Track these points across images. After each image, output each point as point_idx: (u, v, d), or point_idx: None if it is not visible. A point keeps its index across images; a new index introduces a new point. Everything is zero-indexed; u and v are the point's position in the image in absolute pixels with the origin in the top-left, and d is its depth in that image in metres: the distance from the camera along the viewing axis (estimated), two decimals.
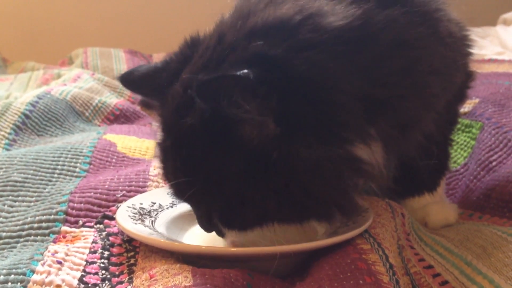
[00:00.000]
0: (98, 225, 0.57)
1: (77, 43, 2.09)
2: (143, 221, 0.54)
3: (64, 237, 0.54)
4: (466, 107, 0.88)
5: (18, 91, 1.47)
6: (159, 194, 0.63)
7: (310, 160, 0.44)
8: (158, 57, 1.86)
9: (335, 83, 0.45)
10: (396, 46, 0.49)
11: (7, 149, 0.85)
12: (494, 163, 0.72)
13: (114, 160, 0.75)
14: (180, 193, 0.49)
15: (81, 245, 0.52)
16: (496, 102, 0.85)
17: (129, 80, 0.55)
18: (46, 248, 0.50)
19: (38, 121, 0.95)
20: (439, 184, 0.70)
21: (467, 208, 0.69)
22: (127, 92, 1.37)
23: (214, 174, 0.46)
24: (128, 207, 0.57)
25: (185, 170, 0.47)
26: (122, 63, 1.62)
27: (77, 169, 0.70)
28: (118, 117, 1.13)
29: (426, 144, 0.63)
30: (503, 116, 0.80)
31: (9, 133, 0.89)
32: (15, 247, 0.52)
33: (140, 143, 0.83)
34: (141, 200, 0.60)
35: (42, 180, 0.66)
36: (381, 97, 0.49)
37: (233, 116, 0.43)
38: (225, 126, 0.45)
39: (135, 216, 0.55)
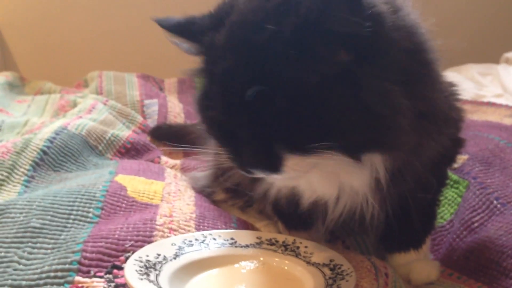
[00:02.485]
0: (107, 275, 0.63)
1: (93, 63, 2.17)
2: (148, 275, 0.60)
3: (77, 287, 0.60)
4: (456, 163, 0.93)
5: (36, 115, 1.54)
6: (164, 245, 0.69)
7: (377, 87, 0.51)
8: (169, 83, 1.93)
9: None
10: None
11: (26, 186, 0.92)
12: (476, 224, 0.77)
13: (124, 205, 0.81)
14: (246, 111, 0.53)
15: None
16: (483, 160, 0.90)
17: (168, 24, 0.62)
18: None
19: (55, 157, 1.02)
20: (425, 242, 0.76)
21: (448, 267, 0.74)
22: (139, 120, 1.44)
23: (293, 85, 0.50)
24: (136, 260, 0.63)
25: (263, 79, 0.51)
26: (134, 89, 1.68)
27: (90, 214, 0.76)
28: (129, 150, 1.20)
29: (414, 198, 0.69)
30: (488, 176, 0.85)
31: (28, 170, 0.95)
32: None
33: (149, 186, 0.89)
34: (147, 252, 0.66)
35: (58, 226, 0.72)
36: None
37: (328, 31, 0.50)
38: (314, 39, 0.50)
39: (141, 271, 0.61)
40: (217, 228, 0.78)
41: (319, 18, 0.50)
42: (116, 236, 0.69)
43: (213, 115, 0.57)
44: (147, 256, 0.65)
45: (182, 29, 0.61)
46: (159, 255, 0.66)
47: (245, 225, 0.84)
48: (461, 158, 0.93)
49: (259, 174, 0.57)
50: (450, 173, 0.92)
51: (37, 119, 1.44)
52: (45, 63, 2.32)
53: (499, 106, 1.41)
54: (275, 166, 0.55)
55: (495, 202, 0.78)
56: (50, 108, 1.58)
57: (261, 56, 0.51)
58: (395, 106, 0.53)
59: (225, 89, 0.54)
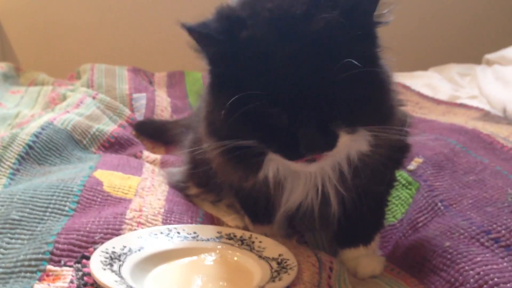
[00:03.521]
0: (76, 265, 0.70)
1: (91, 54, 2.24)
2: (112, 265, 0.67)
3: (48, 275, 0.67)
4: (412, 165, 1.00)
5: (28, 106, 1.61)
6: (131, 238, 0.76)
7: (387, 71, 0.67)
8: (159, 76, 1.99)
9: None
10: None
11: (11, 178, 0.99)
12: (420, 224, 0.84)
13: (99, 200, 0.88)
14: (315, 90, 0.59)
15: (60, 284, 0.65)
16: (436, 163, 0.97)
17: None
18: (32, 286, 0.64)
19: (40, 151, 1.09)
20: (373, 239, 0.82)
21: (392, 262, 0.81)
22: (126, 113, 1.51)
23: (354, 63, 0.58)
24: (102, 251, 0.70)
25: (331, 61, 0.58)
26: (124, 83, 1.75)
27: (66, 208, 0.83)
28: (113, 144, 1.26)
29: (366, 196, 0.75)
30: (437, 179, 0.92)
31: (14, 163, 1.02)
32: (8, 283, 0.65)
33: (124, 181, 0.96)
34: (114, 244, 0.73)
35: (36, 218, 0.79)
36: None
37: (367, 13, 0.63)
38: (363, 21, 0.62)
39: (105, 261, 0.68)
40: (183, 223, 0.85)
41: (355, 6, 0.61)
42: (88, 228, 0.76)
43: (264, 105, 0.60)
44: (113, 248, 0.72)
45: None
46: (125, 247, 0.73)
47: (211, 220, 0.90)
48: (417, 161, 1.00)
49: (315, 154, 0.63)
50: (405, 175, 0.99)
51: (28, 111, 1.51)
52: (44, 53, 2.38)
53: (470, 108, 1.47)
54: (332, 144, 0.62)
55: (439, 204, 0.85)
56: (42, 100, 1.65)
57: (324, 40, 0.59)
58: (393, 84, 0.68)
59: (292, 73, 0.59)
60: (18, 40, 2.40)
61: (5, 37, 2.40)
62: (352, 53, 0.60)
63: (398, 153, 0.79)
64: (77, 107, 1.38)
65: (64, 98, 1.54)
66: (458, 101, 1.56)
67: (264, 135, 0.64)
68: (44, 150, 1.10)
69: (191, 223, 0.85)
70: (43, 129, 1.13)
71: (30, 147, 1.07)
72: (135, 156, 1.24)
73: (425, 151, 1.03)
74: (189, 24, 0.62)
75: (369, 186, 0.74)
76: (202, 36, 0.62)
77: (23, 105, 1.62)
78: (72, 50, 2.37)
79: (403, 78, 1.89)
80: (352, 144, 0.66)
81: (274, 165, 0.70)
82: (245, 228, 0.89)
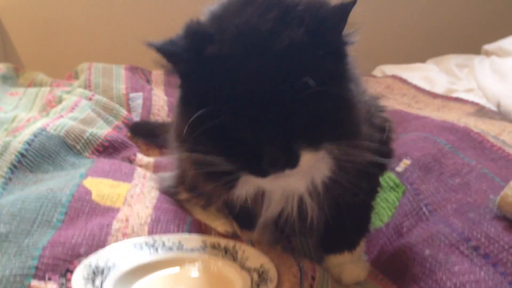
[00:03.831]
0: (60, 279, 0.71)
1: (88, 52, 2.25)
2: (93, 281, 0.69)
3: None
4: (400, 167, 1.00)
5: (25, 109, 1.62)
6: (115, 250, 0.77)
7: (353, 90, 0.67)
8: (156, 74, 1.99)
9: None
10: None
11: (3, 188, 1.00)
12: (404, 229, 0.84)
13: (87, 210, 0.89)
14: (275, 109, 0.60)
15: None
16: (424, 165, 0.96)
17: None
18: None
19: (33, 158, 1.10)
20: (359, 244, 0.83)
21: (376, 268, 0.82)
22: (123, 114, 1.52)
23: (317, 81, 0.59)
24: (85, 266, 0.71)
25: (293, 80, 0.59)
26: (121, 82, 1.75)
27: (54, 220, 0.85)
28: (107, 148, 1.27)
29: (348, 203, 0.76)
30: (424, 182, 0.92)
31: (6, 172, 1.03)
32: None
33: (114, 189, 0.97)
34: (98, 257, 0.74)
35: (23, 231, 0.80)
36: None
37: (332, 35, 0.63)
38: (328, 41, 0.62)
39: (88, 276, 0.69)
40: (170, 231, 0.86)
41: (321, 25, 0.62)
42: (73, 241, 0.78)
43: (226, 121, 0.61)
44: (97, 261, 0.73)
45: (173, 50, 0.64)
46: (108, 260, 0.74)
47: (198, 227, 0.91)
48: (405, 163, 1.00)
49: (277, 173, 0.63)
50: (393, 177, 0.99)
51: (25, 114, 1.52)
52: (45, 51, 2.39)
53: (465, 102, 1.46)
54: (294, 162, 0.62)
55: (424, 208, 0.85)
56: (39, 102, 1.66)
57: (287, 59, 0.60)
58: (360, 102, 0.68)
59: (256, 90, 0.60)
60: (19, 39, 2.41)
61: (6, 36, 2.41)
62: (315, 72, 0.60)
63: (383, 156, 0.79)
64: (71, 110, 1.39)
65: (60, 100, 1.55)
66: (454, 95, 1.55)
67: (229, 152, 0.65)
68: (36, 157, 1.11)
69: (178, 231, 0.86)
70: (35, 136, 1.14)
71: (22, 155, 1.08)
72: (129, 159, 1.25)
73: (414, 151, 1.02)
74: (155, 43, 0.62)
75: (347, 197, 0.75)
76: (169, 54, 0.63)
77: (21, 108, 1.64)
78: (73, 47, 2.38)
79: (400, 71, 1.88)
80: (317, 162, 0.67)
81: (247, 183, 0.70)
82: (234, 233, 0.90)
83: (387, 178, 0.99)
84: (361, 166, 0.71)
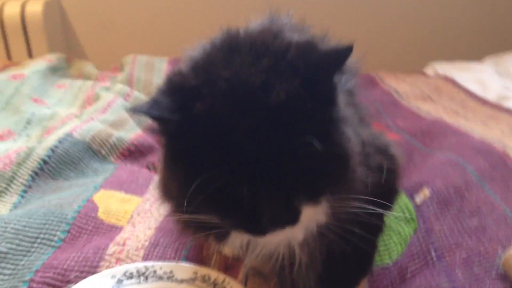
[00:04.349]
0: None
1: (136, 44, 2.27)
2: None
3: None
4: (419, 198, 0.93)
5: (67, 104, 1.67)
6: (104, 278, 0.77)
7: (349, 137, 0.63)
8: None
9: None
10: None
11: (22, 196, 1.03)
12: (408, 274, 0.78)
13: (90, 228, 0.90)
14: (276, 165, 0.56)
15: None
16: (443, 199, 0.89)
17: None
18: None
19: (55, 165, 1.12)
20: (358, 284, 0.78)
21: None
22: None
23: (318, 132, 0.56)
24: None
25: (292, 137, 0.55)
26: (161, 77, 1.76)
27: (56, 238, 0.86)
28: (133, 153, 1.29)
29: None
30: (439, 220, 0.85)
31: (27, 180, 1.07)
32: None
33: (122, 205, 0.98)
34: (84, 286, 0.74)
35: (23, 250, 0.83)
36: None
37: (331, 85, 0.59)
38: (324, 91, 0.59)
39: None
40: (166, 257, 0.85)
41: (315, 74, 0.57)
42: (65, 266, 0.78)
43: (223, 182, 0.57)
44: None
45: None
46: None
47: (199, 251, 0.90)
48: (424, 195, 0.93)
49: (278, 231, 0.60)
50: (411, 208, 0.92)
51: (66, 110, 1.57)
52: (94, 39, 2.45)
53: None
54: (295, 218, 0.59)
55: (433, 252, 0.78)
56: (81, 97, 1.70)
57: (284, 114, 0.56)
58: (356, 145, 0.64)
59: (252, 147, 0.56)
60: (81, 29, 2.48)
61: (69, 26, 2.47)
62: (313, 126, 0.57)
63: (385, 197, 0.74)
64: (104, 112, 1.41)
65: (97, 98, 1.58)
66: (507, 103, 1.42)
67: (224, 211, 0.61)
68: (59, 164, 1.13)
69: (175, 257, 0.85)
70: (60, 142, 1.17)
71: (45, 162, 1.11)
72: (152, 165, 1.26)
73: (437, 180, 0.95)
74: (139, 107, 0.58)
75: (340, 242, 0.71)
76: (155, 118, 0.59)
77: (64, 102, 1.69)
78: (131, 37, 2.41)
79: (453, 70, 1.75)
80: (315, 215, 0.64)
81: (239, 237, 0.68)
82: (239, 256, 0.88)
83: (405, 208, 0.92)
84: (354, 215, 0.66)
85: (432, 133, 1.31)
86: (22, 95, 1.64)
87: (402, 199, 0.95)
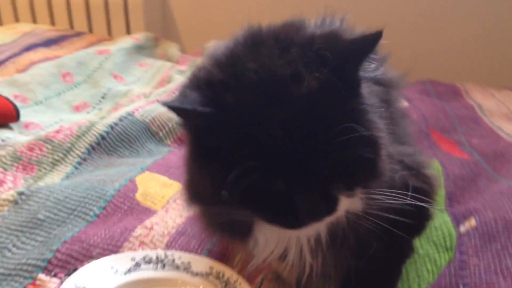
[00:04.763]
0: (64, 278, 0.76)
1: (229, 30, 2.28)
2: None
3: (34, 284, 0.74)
4: (464, 226, 0.86)
5: (144, 83, 1.74)
6: (124, 259, 0.79)
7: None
8: None
9: None
10: None
11: (76, 167, 1.09)
12: None
13: (126, 207, 0.93)
14: (314, 155, 0.54)
15: None
16: (488, 233, 0.82)
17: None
18: None
19: (112, 142, 1.17)
20: None
21: None
22: None
23: (352, 121, 0.55)
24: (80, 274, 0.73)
25: (328, 125, 0.54)
26: None
27: (91, 213, 0.90)
28: None
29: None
30: (477, 254, 0.78)
31: (83, 153, 1.12)
32: (1, 285, 0.74)
33: (161, 190, 1.00)
34: (103, 263, 0.77)
35: (58, 220, 0.87)
36: None
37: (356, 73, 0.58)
38: (353, 80, 0.58)
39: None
40: (190, 248, 0.85)
41: (344, 63, 0.56)
42: (91, 241, 0.82)
43: (258, 175, 0.55)
44: (100, 267, 0.76)
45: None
46: (112, 268, 0.77)
47: (225, 245, 0.89)
48: (470, 224, 0.85)
49: (314, 222, 0.59)
50: (453, 236, 0.86)
51: (141, 88, 1.63)
52: (202, 24, 2.48)
53: None
54: (333, 208, 0.58)
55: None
56: (158, 77, 1.76)
57: (317, 102, 0.55)
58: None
59: (287, 138, 0.54)
60: (178, 11, 2.53)
61: (168, 8, 2.55)
62: (346, 113, 0.55)
63: (414, 218, 0.70)
64: (170, 95, 1.45)
65: (170, 80, 1.63)
66: None
67: (259, 206, 0.59)
68: (116, 141, 1.18)
69: (197, 249, 0.86)
70: (120, 120, 1.22)
71: (103, 137, 1.17)
72: None
73: (488, 210, 0.87)
74: (169, 102, 0.55)
75: (359, 257, 0.67)
76: (184, 111, 0.56)
77: (142, 80, 1.76)
78: (222, 22, 2.42)
79: None
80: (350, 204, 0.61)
81: (264, 231, 0.66)
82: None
83: (447, 235, 0.86)
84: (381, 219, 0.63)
85: (505, 157, 1.20)
86: (104, 70, 1.73)
87: (447, 225, 0.88)
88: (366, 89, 0.61)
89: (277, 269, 0.82)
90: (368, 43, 0.57)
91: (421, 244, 0.85)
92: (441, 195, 1.02)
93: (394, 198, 0.63)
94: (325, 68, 0.55)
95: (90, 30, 2.47)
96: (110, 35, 2.41)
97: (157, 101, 0.55)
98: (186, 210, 0.93)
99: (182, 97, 0.57)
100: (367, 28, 0.65)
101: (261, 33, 0.62)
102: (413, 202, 0.68)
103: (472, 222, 0.85)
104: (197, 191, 0.66)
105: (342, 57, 0.56)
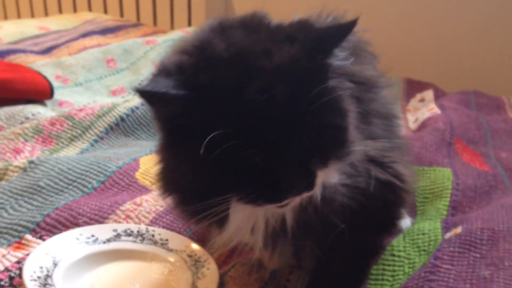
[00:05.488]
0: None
1: None
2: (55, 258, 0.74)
3: (19, 243, 0.80)
4: (450, 233, 0.83)
5: None
6: (106, 229, 0.83)
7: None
8: None
9: None
10: None
11: (92, 145, 1.16)
12: None
13: (123, 184, 0.97)
14: (297, 128, 0.55)
15: (18, 254, 0.77)
16: (470, 242, 0.78)
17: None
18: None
19: (131, 124, 1.23)
20: None
21: None
22: None
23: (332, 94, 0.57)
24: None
25: (303, 92, 0.55)
26: None
27: (89, 186, 0.95)
28: None
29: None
30: (453, 263, 0.75)
31: (101, 131, 1.19)
32: None
33: None
34: (84, 231, 0.81)
35: (57, 189, 0.93)
36: None
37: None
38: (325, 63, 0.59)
39: (48, 253, 0.75)
40: (173, 226, 0.88)
41: (317, 46, 0.58)
42: (80, 211, 0.87)
43: (234, 148, 0.54)
44: (81, 234, 0.81)
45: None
46: (93, 236, 0.81)
47: (201, 232, 0.90)
48: (455, 232, 0.82)
49: (297, 195, 0.59)
50: (438, 242, 0.83)
51: None
52: None
53: None
54: (312, 183, 0.58)
55: None
56: None
57: (290, 73, 0.56)
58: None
59: (263, 109, 0.55)
60: (240, 7, 2.57)
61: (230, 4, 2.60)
62: (318, 81, 0.57)
63: (380, 214, 0.70)
64: None
65: None
66: None
67: (240, 182, 0.58)
68: (134, 124, 1.24)
69: (180, 229, 0.88)
70: (142, 104, 1.27)
71: (122, 119, 1.23)
72: None
73: (479, 220, 0.84)
74: (140, 88, 0.54)
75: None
76: (157, 96, 0.54)
77: None
78: None
79: None
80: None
81: (239, 215, 0.65)
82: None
83: (433, 240, 0.83)
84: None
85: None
86: (147, 59, 1.80)
87: (435, 232, 0.85)
88: (335, 82, 0.61)
89: (260, 257, 0.82)
90: (340, 32, 0.58)
91: (404, 247, 0.83)
92: (443, 203, 0.99)
93: (357, 184, 0.64)
94: (296, 47, 0.57)
95: (154, 23, 2.58)
96: (172, 29, 2.50)
97: (131, 89, 0.56)
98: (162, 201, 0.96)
99: (154, 83, 0.56)
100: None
101: (228, 20, 0.64)
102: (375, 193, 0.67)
103: (459, 229, 0.82)
104: (174, 179, 0.66)
105: (312, 42, 0.57)
